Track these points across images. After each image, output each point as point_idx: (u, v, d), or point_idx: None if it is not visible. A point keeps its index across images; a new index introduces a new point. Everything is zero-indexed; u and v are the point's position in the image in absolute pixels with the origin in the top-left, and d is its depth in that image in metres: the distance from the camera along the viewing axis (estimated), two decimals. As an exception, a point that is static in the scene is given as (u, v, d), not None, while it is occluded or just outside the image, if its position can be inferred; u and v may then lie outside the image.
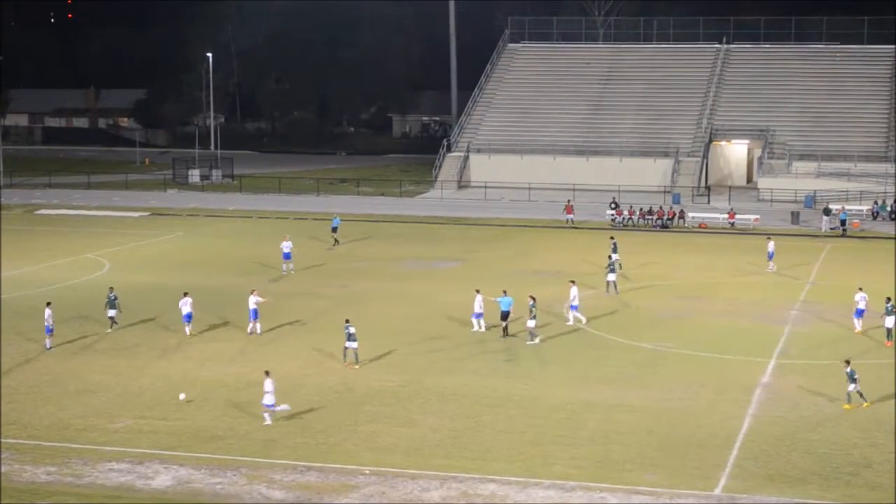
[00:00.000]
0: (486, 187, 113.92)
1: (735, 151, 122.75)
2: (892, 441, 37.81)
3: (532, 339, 51.56)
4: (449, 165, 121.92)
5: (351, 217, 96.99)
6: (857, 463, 36.20)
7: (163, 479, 34.76)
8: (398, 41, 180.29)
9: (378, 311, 58.21)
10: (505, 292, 53.62)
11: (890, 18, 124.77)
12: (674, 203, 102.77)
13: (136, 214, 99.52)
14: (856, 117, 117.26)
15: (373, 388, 44.21)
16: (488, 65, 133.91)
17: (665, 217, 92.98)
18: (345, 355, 48.04)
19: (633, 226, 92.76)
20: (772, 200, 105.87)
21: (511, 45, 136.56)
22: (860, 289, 55.31)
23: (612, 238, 72.44)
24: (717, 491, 34.03)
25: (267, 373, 40.05)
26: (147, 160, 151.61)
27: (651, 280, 68.55)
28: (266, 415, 39.64)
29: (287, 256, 69.60)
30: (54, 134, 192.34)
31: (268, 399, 39.50)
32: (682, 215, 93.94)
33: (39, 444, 37.56)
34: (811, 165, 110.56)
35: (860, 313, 54.13)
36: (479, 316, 53.91)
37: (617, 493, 33.67)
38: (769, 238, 74.31)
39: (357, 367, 47.43)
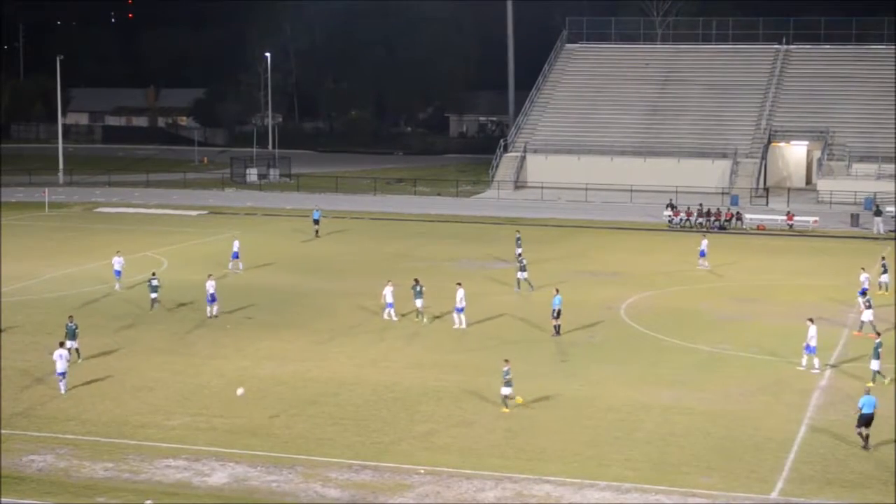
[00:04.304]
0: (542, 188, 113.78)
1: (794, 153, 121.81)
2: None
3: (421, 319, 54.93)
4: (506, 166, 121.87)
5: (407, 217, 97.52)
6: (917, 468, 35.83)
7: (219, 476, 34.95)
8: (455, 41, 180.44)
9: (432, 311, 58.17)
10: (557, 290, 53.93)
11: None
12: (731, 204, 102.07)
13: (194, 213, 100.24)
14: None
15: (428, 388, 44.23)
16: (546, 65, 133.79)
17: (722, 218, 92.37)
18: (152, 305, 56.95)
19: (690, 227, 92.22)
20: (831, 202, 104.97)
21: (569, 46, 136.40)
22: (863, 269, 60.13)
23: (517, 232, 71.96)
24: (774, 495, 33.76)
25: (61, 343, 43.54)
26: (205, 159, 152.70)
27: (708, 282, 68.18)
28: (61, 384, 42.68)
29: (235, 255, 70.33)
30: (114, 133, 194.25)
31: (59, 367, 42.41)
32: (739, 217, 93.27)
33: (98, 441, 37.87)
34: (871, 167, 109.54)
35: (863, 292, 57.76)
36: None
37: (673, 496, 33.49)
38: (704, 235, 74.91)
39: (152, 311, 56.28)
